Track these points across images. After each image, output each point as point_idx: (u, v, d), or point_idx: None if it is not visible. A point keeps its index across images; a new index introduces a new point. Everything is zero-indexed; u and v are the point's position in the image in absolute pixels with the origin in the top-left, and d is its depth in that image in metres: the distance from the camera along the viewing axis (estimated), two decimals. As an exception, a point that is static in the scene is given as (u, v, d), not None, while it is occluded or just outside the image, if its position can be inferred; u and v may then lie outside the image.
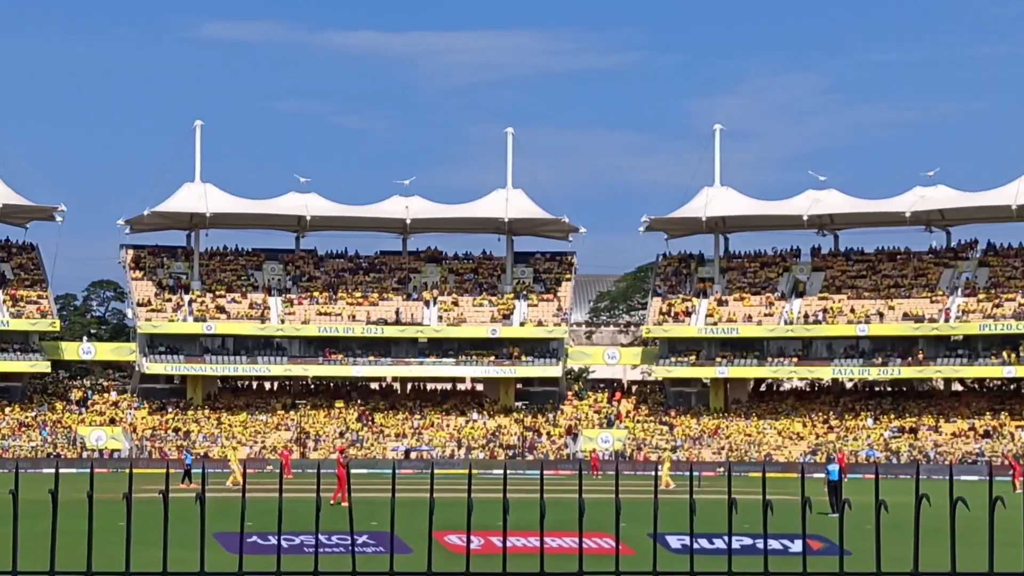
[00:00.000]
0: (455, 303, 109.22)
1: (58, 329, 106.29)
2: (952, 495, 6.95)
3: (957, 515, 6.98)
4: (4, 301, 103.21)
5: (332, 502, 47.31)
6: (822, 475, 52.71)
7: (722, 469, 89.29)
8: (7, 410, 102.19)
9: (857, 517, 9.04)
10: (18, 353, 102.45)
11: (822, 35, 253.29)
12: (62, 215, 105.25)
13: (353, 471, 78.25)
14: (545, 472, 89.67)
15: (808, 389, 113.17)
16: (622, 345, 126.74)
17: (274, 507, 8.66)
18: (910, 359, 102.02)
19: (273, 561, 7.78)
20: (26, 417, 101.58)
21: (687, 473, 75.25)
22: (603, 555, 28.73)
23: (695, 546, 25.53)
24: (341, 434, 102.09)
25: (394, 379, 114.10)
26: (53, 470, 78.19)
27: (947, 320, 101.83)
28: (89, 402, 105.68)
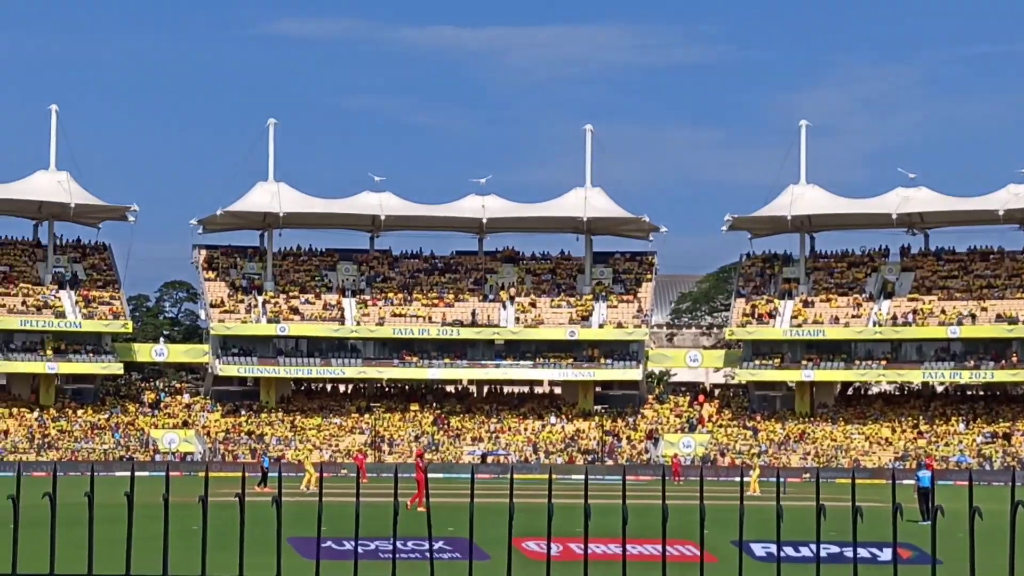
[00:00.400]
0: (532, 304, 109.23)
1: (131, 330, 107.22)
2: (1013, 500, 6.88)
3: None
4: (77, 302, 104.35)
5: (409, 507, 47.40)
6: (911, 481, 52.28)
7: (808, 475, 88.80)
8: (80, 412, 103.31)
9: (949, 525, 8.95)
10: (91, 355, 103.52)
11: (913, 26, 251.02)
12: (135, 215, 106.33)
13: (428, 475, 78.58)
14: (628, 477, 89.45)
15: (897, 393, 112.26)
16: (704, 347, 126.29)
17: (348, 512, 8.69)
18: (1003, 362, 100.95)
19: (347, 567, 7.82)
20: (99, 419, 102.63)
21: (773, 479, 74.98)
22: (686, 563, 28.63)
23: (787, 555, 25.20)
24: (416, 438, 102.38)
25: (470, 382, 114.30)
26: (125, 473, 78.95)
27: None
28: (162, 404, 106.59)
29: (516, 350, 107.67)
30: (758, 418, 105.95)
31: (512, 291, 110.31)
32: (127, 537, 6.34)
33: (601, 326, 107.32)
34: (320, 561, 6.80)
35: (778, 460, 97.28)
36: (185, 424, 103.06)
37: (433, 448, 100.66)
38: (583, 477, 9.02)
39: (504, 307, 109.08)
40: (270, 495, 7.28)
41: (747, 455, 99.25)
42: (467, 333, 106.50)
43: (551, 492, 7.29)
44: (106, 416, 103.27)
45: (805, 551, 29.24)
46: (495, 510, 7.67)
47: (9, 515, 6.51)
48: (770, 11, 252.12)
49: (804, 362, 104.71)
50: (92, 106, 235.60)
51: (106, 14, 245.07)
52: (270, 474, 67.31)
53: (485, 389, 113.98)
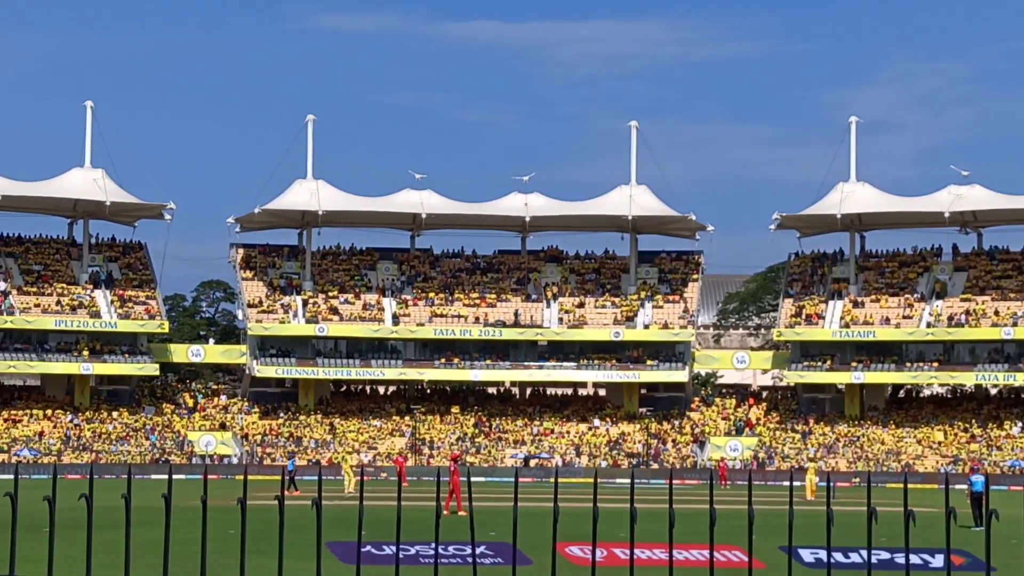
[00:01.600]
0: (577, 304, 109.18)
1: (167, 331, 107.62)
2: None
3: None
4: (112, 302, 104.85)
5: (446, 513, 47.39)
6: (964, 486, 52.06)
7: (858, 480, 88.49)
8: (115, 414, 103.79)
9: (1002, 531, 8.89)
10: (126, 356, 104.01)
11: (967, 20, 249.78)
12: (171, 213, 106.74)
13: (472, 479, 78.79)
14: (675, 481, 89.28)
15: (949, 396, 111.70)
16: (752, 349, 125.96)
17: (388, 516, 8.72)
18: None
19: (388, 572, 7.84)
20: (135, 421, 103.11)
21: (822, 484, 74.54)
22: (733, 568, 28.56)
23: (837, 561, 25.07)
24: (458, 440, 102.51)
25: (513, 383, 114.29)
26: (161, 476, 79.20)
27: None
28: (198, 406, 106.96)
29: (559, 351, 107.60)
30: (808, 421, 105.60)
31: (556, 291, 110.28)
32: (164, 541, 6.37)
33: (646, 327, 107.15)
34: (360, 566, 6.82)
35: (828, 464, 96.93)
36: (222, 426, 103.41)
37: (475, 451, 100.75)
38: (628, 481, 9.03)
39: (547, 307, 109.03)
40: (296, 498, 7.31)
41: (793, 459, 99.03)
42: (510, 334, 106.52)
43: (596, 496, 7.31)
44: (142, 418, 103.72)
45: (855, 557, 29.12)
46: (538, 514, 7.68)
47: (45, 518, 6.53)
48: (818, 5, 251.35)
49: (854, 364, 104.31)
50: (128, 102, 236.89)
51: (142, 9, 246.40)
52: (296, 477, 67.25)
53: (528, 391, 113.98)
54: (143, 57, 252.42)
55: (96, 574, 6.10)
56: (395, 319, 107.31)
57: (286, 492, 45.30)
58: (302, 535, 7.66)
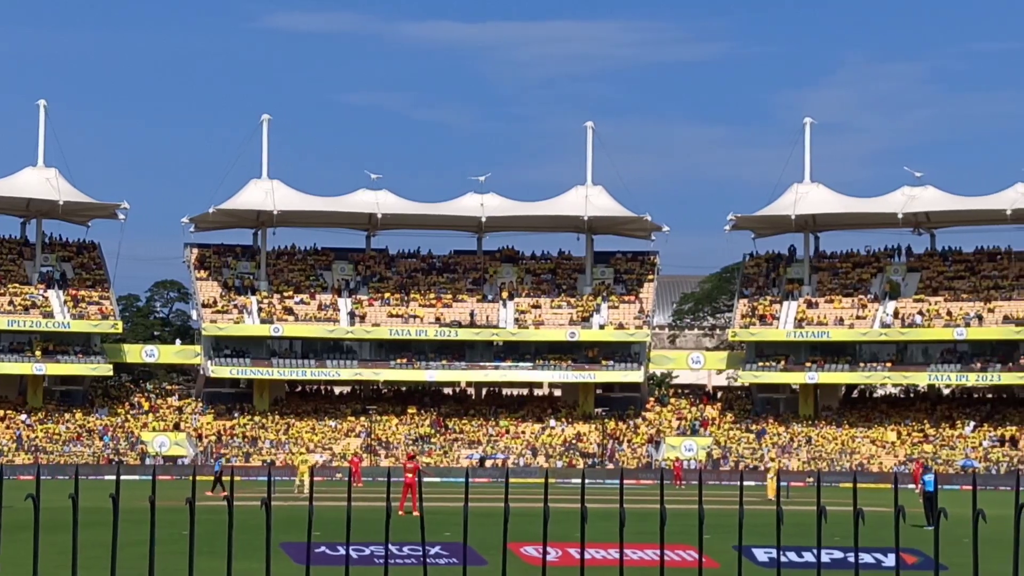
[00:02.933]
0: (532, 305, 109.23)
1: (120, 331, 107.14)
2: (1017, 507, 6.88)
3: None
4: (65, 302, 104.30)
5: (401, 513, 47.33)
6: (916, 486, 52.29)
7: (811, 479, 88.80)
8: (68, 415, 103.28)
9: (954, 530, 8.93)
10: (79, 356, 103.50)
11: (923, 23, 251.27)
12: (125, 213, 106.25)
13: (426, 479, 78.53)
14: (626, 482, 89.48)
15: (903, 396, 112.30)
16: (707, 349, 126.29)
17: (343, 516, 8.69)
18: (1011, 364, 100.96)
19: (340, 572, 7.81)
20: (87, 422, 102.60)
21: (783, 483, 74.68)
22: (686, 568, 28.63)
23: (783, 559, 25.24)
24: (414, 441, 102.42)
25: (468, 384, 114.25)
26: (114, 477, 78.83)
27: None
28: (152, 407, 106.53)
29: (515, 351, 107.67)
30: (763, 421, 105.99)
31: (512, 291, 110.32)
32: (112, 542, 6.33)
33: (602, 327, 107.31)
34: (312, 567, 6.79)
35: (781, 464, 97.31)
36: (176, 427, 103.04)
37: (431, 451, 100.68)
38: (577, 482, 9.02)
39: (503, 308, 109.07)
40: (223, 499, 7.29)
41: (748, 459, 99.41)
42: (465, 334, 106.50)
43: (547, 496, 7.30)
44: (95, 418, 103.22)
45: (808, 556, 29.18)
46: (494, 514, 7.68)
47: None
48: (775, 7, 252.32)
49: (808, 364, 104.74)
50: (82, 101, 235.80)
51: (96, 7, 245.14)
52: (223, 478, 66.18)
53: (484, 391, 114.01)
54: (97, 56, 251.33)
55: (45, 574, 6.06)
56: (351, 319, 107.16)
57: (211, 492, 44.41)
58: (255, 536, 7.63)
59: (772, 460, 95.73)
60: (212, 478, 66.41)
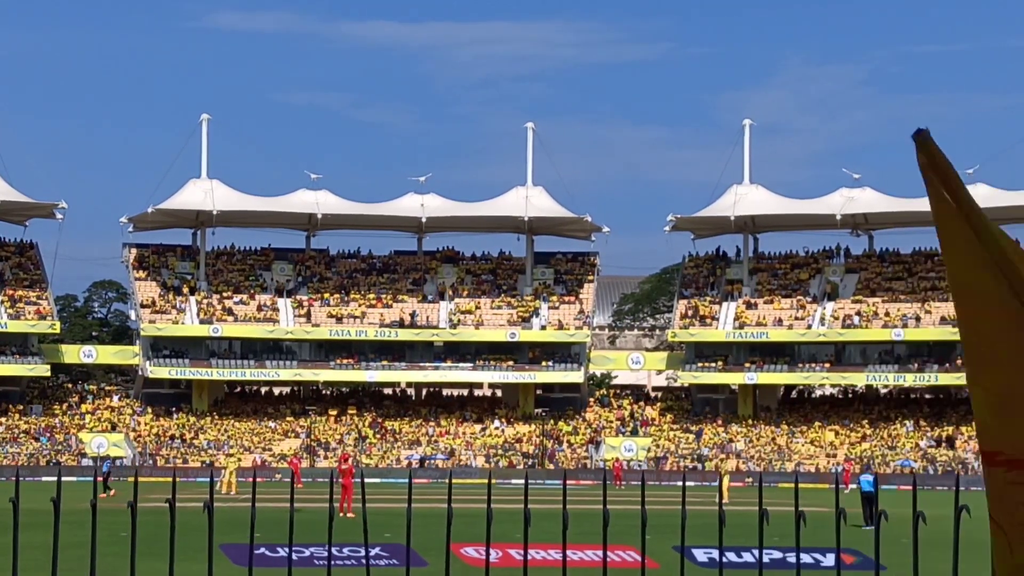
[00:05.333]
0: (473, 306, 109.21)
1: (58, 331, 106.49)
2: (957, 506, 6.95)
3: (967, 524, 6.96)
4: (2, 302, 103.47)
5: (341, 514, 47.21)
6: (855, 486, 52.60)
7: (751, 480, 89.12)
8: (5, 416, 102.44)
9: (893, 530, 9.00)
10: (16, 356, 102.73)
11: (859, 26, 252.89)
12: (62, 212, 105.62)
13: (366, 480, 78.52)
14: (568, 482, 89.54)
15: (841, 396, 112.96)
16: (646, 350, 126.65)
17: (283, 518, 8.67)
18: (948, 365, 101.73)
19: (281, 573, 7.80)
20: (25, 423, 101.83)
21: (713, 484, 74.99)
22: (628, 568, 28.68)
23: (728, 560, 25.27)
24: (354, 442, 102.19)
25: (408, 384, 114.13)
26: (53, 478, 78.27)
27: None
28: (90, 407, 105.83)
29: (455, 352, 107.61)
30: (701, 421, 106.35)
31: (452, 292, 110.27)
32: (53, 544, 6.30)
33: (542, 328, 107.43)
34: (253, 568, 6.77)
35: (720, 464, 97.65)
36: (114, 428, 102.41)
37: (370, 453, 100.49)
38: (523, 482, 9.03)
39: (443, 308, 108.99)
40: (114, 499, 7.25)
41: (687, 459, 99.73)
42: (405, 335, 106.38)
43: (491, 497, 7.31)
44: (32, 419, 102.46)
45: (748, 556, 29.34)
46: (433, 515, 7.67)
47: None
48: (714, 9, 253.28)
49: (747, 365, 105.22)
50: (18, 100, 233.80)
51: (32, 5, 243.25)
52: (111, 479, 64.96)
53: (424, 392, 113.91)
54: (33, 54, 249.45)
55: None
56: (290, 319, 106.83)
57: (102, 495, 44.38)
58: (196, 537, 7.56)
59: (724, 463, 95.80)
60: (159, 480, 65.80)
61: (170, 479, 9.23)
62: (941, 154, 4.02)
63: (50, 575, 6.30)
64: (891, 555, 9.26)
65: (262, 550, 29.41)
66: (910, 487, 6.72)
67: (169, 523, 6.66)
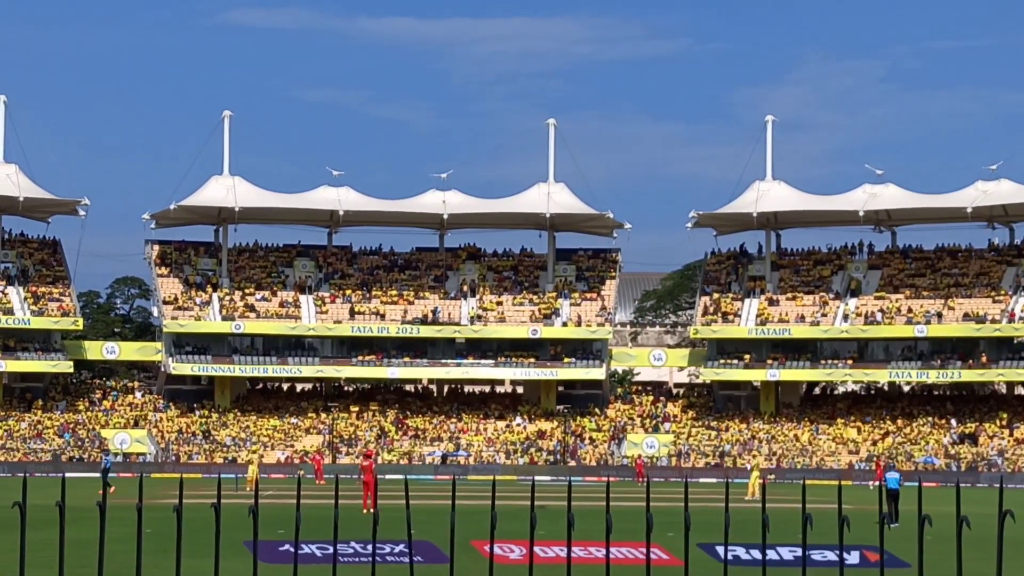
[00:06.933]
0: (495, 302, 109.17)
1: (81, 328, 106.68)
2: (1001, 506, 6.86)
3: (1008, 526, 6.87)
4: (25, 299, 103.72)
5: (364, 511, 47.21)
6: (875, 483, 52.32)
7: (773, 476, 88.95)
8: (28, 412, 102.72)
9: (915, 528, 8.88)
10: (39, 353, 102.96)
11: (880, 20, 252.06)
12: (85, 209, 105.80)
13: (388, 476, 78.38)
14: (587, 479, 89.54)
15: (863, 393, 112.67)
16: (668, 346, 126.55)
17: (307, 516, 8.61)
18: (971, 361, 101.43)
19: (309, 572, 7.75)
20: (48, 419, 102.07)
21: (733, 481, 74.54)
22: (656, 566, 28.61)
23: (746, 557, 25.08)
24: (376, 438, 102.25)
25: (430, 381, 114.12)
26: (75, 474, 78.38)
27: (1010, 321, 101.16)
28: (113, 404, 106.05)
29: (477, 349, 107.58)
30: (724, 418, 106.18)
31: (473, 289, 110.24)
32: (60, 541, 6.27)
33: (564, 324, 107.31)
34: (277, 565, 6.71)
35: (742, 461, 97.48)
36: (136, 424, 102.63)
37: (393, 449, 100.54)
38: (546, 479, 8.95)
39: (465, 305, 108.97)
40: (113, 496, 7.20)
41: (711, 456, 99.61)
42: (427, 331, 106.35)
43: (494, 496, 7.23)
44: (55, 415, 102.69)
45: (772, 554, 29.19)
46: (458, 513, 7.59)
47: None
48: (731, 4, 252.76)
49: (769, 361, 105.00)
50: (42, 98, 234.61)
51: (55, 4, 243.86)
52: (110, 475, 64.86)
53: (446, 388, 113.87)
54: (57, 52, 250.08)
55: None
56: (312, 316, 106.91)
57: (101, 492, 43.98)
58: (212, 534, 7.48)
59: (755, 457, 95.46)
60: (177, 476, 65.89)
61: (193, 475, 9.19)
62: None
63: (58, 572, 6.28)
64: (913, 552, 9.16)
65: (285, 546, 29.34)
66: (935, 484, 6.63)
67: (192, 519, 6.63)
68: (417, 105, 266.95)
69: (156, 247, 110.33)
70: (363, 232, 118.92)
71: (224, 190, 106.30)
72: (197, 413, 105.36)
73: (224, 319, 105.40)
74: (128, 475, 79.17)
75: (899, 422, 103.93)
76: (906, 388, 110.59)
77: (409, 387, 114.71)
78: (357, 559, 28.58)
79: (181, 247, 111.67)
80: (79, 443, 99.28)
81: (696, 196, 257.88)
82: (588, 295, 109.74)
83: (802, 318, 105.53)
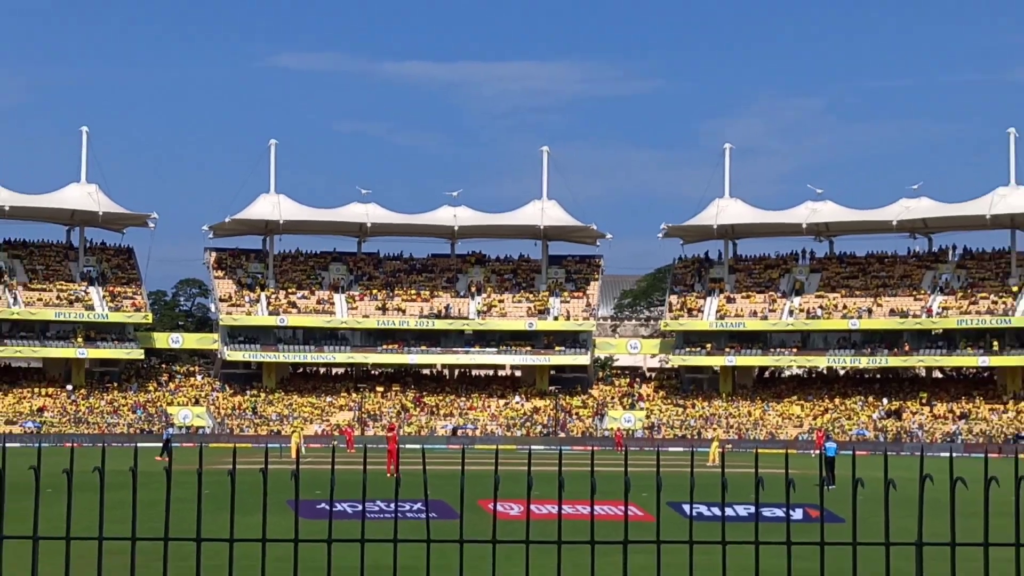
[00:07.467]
0: (497, 300, 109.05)
1: (150, 321, 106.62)
2: (922, 471, 6.87)
3: (928, 488, 6.89)
4: (104, 297, 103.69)
5: (388, 475, 47.17)
6: (818, 452, 52.25)
7: (730, 446, 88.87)
8: (106, 392, 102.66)
9: (847, 489, 8.90)
10: (116, 342, 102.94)
11: (821, 64, 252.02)
12: (154, 222, 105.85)
13: (408, 446, 78.32)
14: (575, 448, 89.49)
15: (806, 376, 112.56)
16: (643, 337, 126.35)
17: (340, 479, 8.57)
18: (896, 350, 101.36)
19: (342, 526, 7.77)
20: (122, 398, 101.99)
21: (697, 450, 74.37)
22: (618, 520, 28.63)
23: (707, 514, 25.11)
24: (398, 413, 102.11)
25: (443, 366, 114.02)
26: (145, 444, 78.44)
27: (929, 316, 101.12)
28: (177, 385, 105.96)
29: (482, 339, 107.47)
30: (688, 397, 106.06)
31: (479, 289, 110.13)
32: (132, 501, 6.26)
33: (555, 318, 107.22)
34: (313, 520, 6.70)
35: (704, 434, 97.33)
36: (197, 402, 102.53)
37: (411, 423, 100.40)
38: (539, 448, 8.92)
39: (472, 302, 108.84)
40: (165, 464, 7.24)
41: (678, 428, 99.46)
42: (441, 324, 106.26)
43: (497, 463, 7.18)
44: (129, 395, 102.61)
45: (729, 511, 29.13)
46: (466, 476, 7.58)
47: (28, 481, 6.49)
48: (699, 49, 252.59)
49: (727, 350, 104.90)
50: (117, 128, 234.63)
51: (130, 46, 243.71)
52: (172, 445, 65.29)
53: (456, 372, 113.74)
54: (131, 88, 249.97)
55: (75, 527, 6.06)
56: (344, 312, 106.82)
57: (158, 458, 44.08)
58: (271, 494, 7.49)
59: (715, 430, 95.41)
60: (231, 446, 65.95)
61: (244, 445, 9.19)
62: None
63: (130, 526, 6.29)
64: (844, 511, 9.20)
65: (322, 504, 29.36)
66: (864, 453, 6.64)
67: (243, 482, 6.63)
68: (433, 135, 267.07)
69: (213, 254, 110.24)
70: (387, 241, 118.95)
71: (270, 206, 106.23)
72: (247, 393, 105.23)
73: (270, 314, 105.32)
74: (189, 445, 79.09)
75: (836, 400, 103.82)
76: (841, 372, 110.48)
77: (425, 371, 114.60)
78: (382, 515, 28.63)
79: (234, 254, 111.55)
80: (148, 418, 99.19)
81: (666, 211, 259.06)
82: (575, 294, 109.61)
83: (754, 313, 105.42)
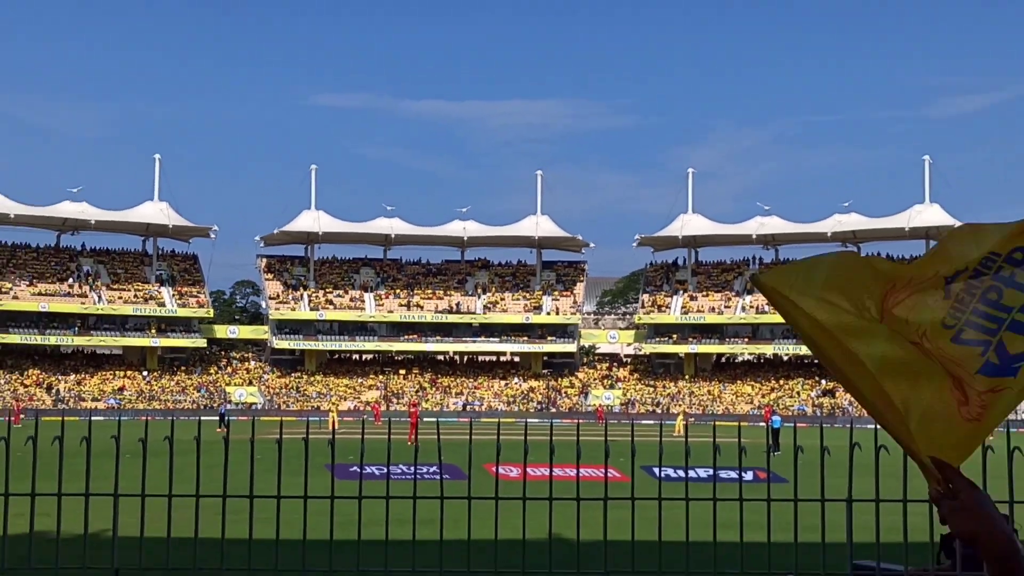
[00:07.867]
0: (500, 298, 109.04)
1: (211, 316, 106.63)
2: (851, 441, 6.87)
3: (856, 454, 6.88)
4: (173, 295, 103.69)
5: (409, 443, 47.14)
6: (764, 424, 52.22)
7: (693, 419, 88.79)
8: (175, 375, 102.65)
9: (790, 456, 8.93)
10: (183, 333, 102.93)
11: (770, 101, 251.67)
12: (215, 233, 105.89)
13: (425, 419, 78.27)
14: (564, 420, 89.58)
15: (756, 361, 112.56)
16: (620, 329, 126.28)
17: (369, 447, 8.59)
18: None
19: (370, 485, 7.80)
20: (189, 380, 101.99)
21: (665, 422, 74.16)
22: (602, 482, 28.60)
23: (674, 475, 25.03)
24: (417, 392, 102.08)
25: (455, 353, 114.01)
26: (207, 418, 78.45)
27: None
28: (234, 369, 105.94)
29: (487, 330, 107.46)
30: (657, 379, 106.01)
31: (484, 288, 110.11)
32: (196, 464, 6.26)
33: (547, 314, 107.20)
34: (347, 481, 6.69)
35: (671, 409, 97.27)
36: (250, 383, 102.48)
37: (428, 400, 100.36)
38: (534, 421, 8.92)
39: (478, 300, 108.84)
40: (223, 435, 7.21)
41: (648, 404, 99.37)
42: (452, 318, 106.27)
43: (499, 433, 7.20)
44: (194, 377, 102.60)
45: (692, 473, 29.07)
46: (473, 444, 7.60)
47: (111, 447, 6.50)
48: (668, 90, 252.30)
49: (690, 339, 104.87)
50: (186, 154, 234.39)
51: (197, 87, 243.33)
52: (227, 419, 65.18)
53: (465, 358, 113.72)
54: (197, 121, 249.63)
55: (149, 486, 6.08)
56: (372, 308, 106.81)
57: (219, 430, 44.26)
58: (312, 459, 7.51)
59: (680, 406, 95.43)
60: (278, 419, 65.93)
61: (289, 419, 9.18)
62: (768, 287, 3.23)
63: (195, 486, 6.29)
64: (787, 473, 9.22)
65: (354, 468, 29.37)
66: (804, 425, 6.66)
67: (288, 449, 6.63)
68: (446, 160, 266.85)
69: (264, 260, 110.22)
70: (408, 249, 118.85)
71: (311, 220, 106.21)
72: (292, 375, 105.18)
73: (311, 310, 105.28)
74: (244, 418, 78.91)
75: (780, 381, 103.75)
76: (785, 358, 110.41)
77: (440, 357, 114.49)
78: (403, 476, 28.60)
79: (281, 259, 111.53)
80: (210, 396, 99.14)
81: (639, 224, 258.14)
82: (564, 293, 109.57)
83: (713, 309, 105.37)
